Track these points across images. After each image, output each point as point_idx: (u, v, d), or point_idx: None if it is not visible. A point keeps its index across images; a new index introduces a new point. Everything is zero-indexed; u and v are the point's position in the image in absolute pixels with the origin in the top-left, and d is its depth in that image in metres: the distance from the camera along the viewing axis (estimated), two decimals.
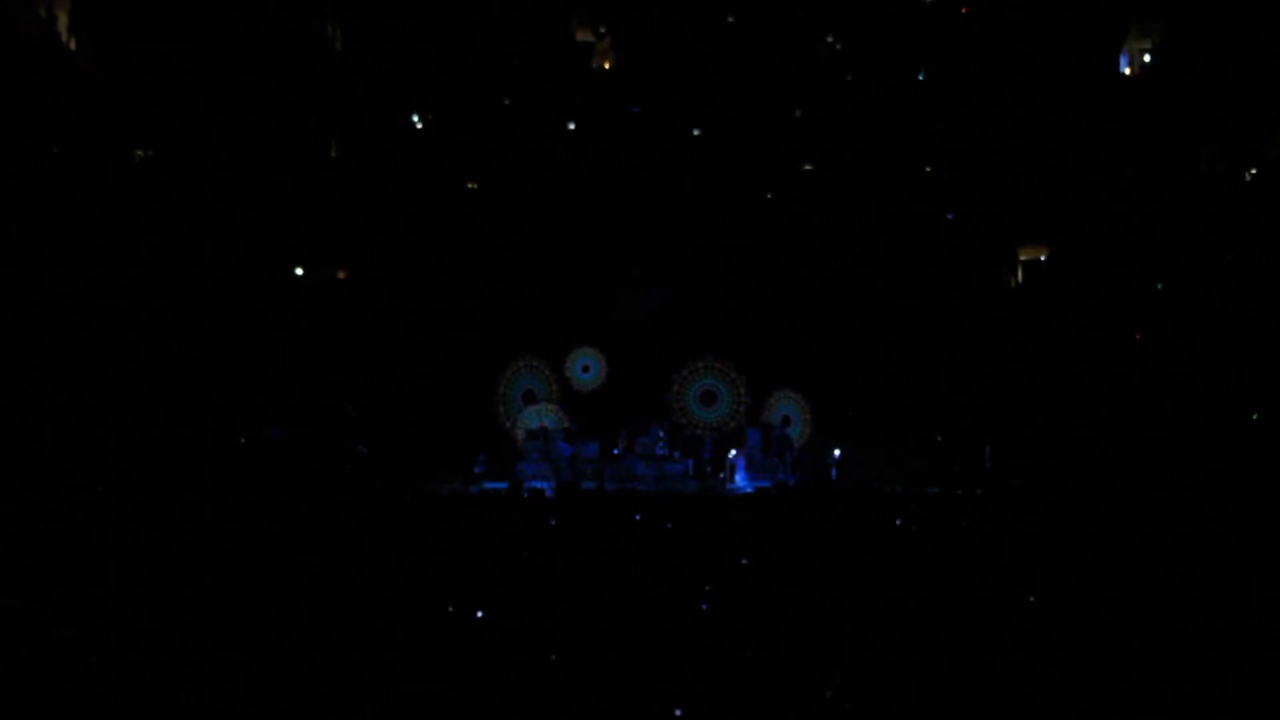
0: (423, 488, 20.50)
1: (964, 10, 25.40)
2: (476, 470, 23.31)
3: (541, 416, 25.10)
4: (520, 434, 24.93)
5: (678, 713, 7.67)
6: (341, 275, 30.88)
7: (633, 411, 31.64)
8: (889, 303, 30.80)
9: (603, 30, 28.88)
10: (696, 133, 26.93)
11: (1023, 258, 28.05)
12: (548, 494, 20.45)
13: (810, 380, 31.37)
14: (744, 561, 14.03)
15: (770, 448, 24.00)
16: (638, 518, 16.95)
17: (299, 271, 28.93)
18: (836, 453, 25.52)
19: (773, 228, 32.18)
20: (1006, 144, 25.76)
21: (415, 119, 26.63)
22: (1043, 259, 27.79)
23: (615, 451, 24.29)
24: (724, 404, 25.01)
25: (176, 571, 12.13)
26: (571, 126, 27.19)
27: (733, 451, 23.51)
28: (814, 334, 32.95)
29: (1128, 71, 24.46)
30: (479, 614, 10.88)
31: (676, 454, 24.42)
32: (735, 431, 24.97)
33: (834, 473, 23.77)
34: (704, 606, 11.24)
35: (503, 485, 22.10)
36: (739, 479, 23.37)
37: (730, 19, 27.28)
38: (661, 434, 24.73)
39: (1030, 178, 26.15)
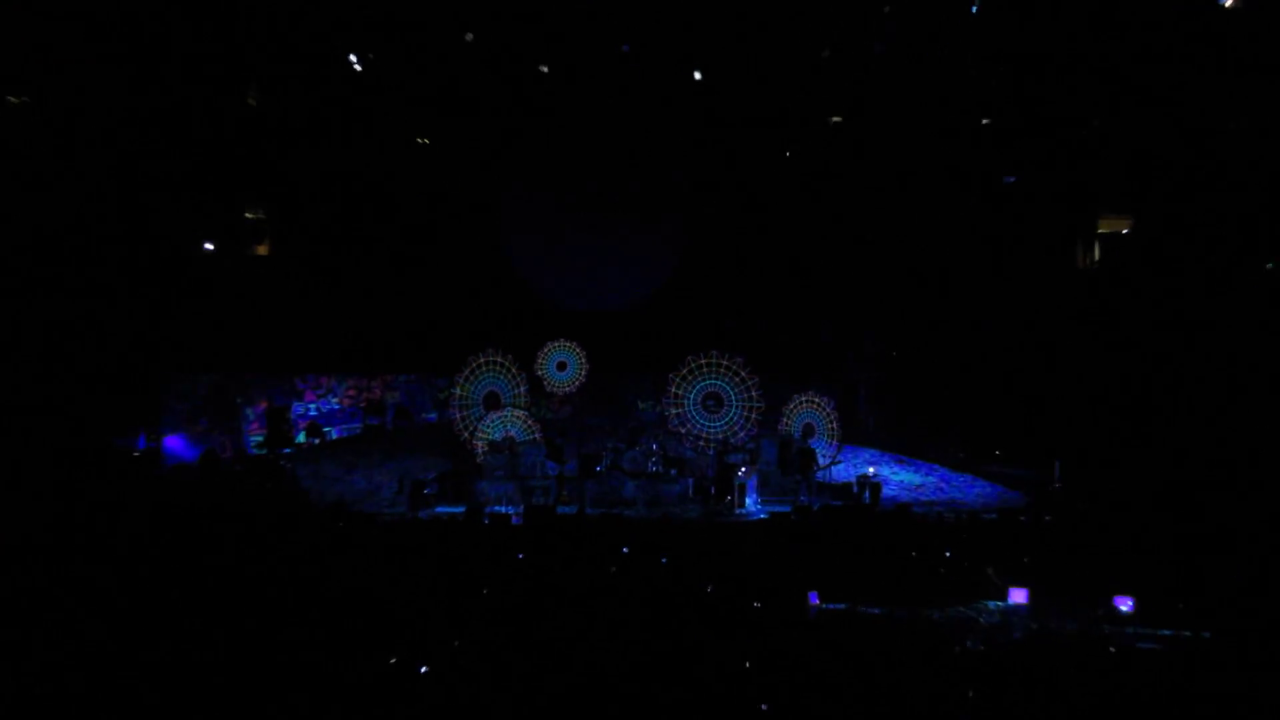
0: (357, 512, 20.09)
1: None
2: (426, 491, 23.02)
3: (507, 425, 24.86)
4: (481, 446, 24.65)
5: None
6: (262, 251, 30.82)
7: (620, 419, 31.72)
8: (935, 285, 30.62)
9: None
10: (698, 76, 26.59)
11: (1101, 230, 27.77)
12: (514, 520, 20.07)
13: (838, 382, 31.31)
14: (757, 605, 13.70)
15: (789, 464, 23.70)
16: (625, 550, 16.55)
17: (208, 246, 28.79)
18: (870, 470, 25.30)
19: (793, 193, 31.97)
20: (1081, 86, 25.38)
21: (353, 60, 26.22)
22: (1125, 232, 27.49)
23: (599, 469, 23.98)
24: (732, 410, 24.77)
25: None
26: (545, 70, 26.86)
27: (743, 469, 23.19)
28: (843, 324, 32.90)
29: (1228, 2, 23.99)
30: (422, 670, 10.60)
31: (673, 472, 24.13)
32: (746, 444, 24.74)
33: (867, 495, 23.52)
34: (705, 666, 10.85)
35: (458, 509, 21.75)
36: (750, 502, 23.09)
37: None
38: (655, 447, 24.48)
39: (1111, 130, 25.81)
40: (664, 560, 16.21)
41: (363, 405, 31.54)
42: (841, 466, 25.27)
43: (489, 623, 12.48)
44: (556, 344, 28.99)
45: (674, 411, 24.96)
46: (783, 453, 24.38)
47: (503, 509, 22.02)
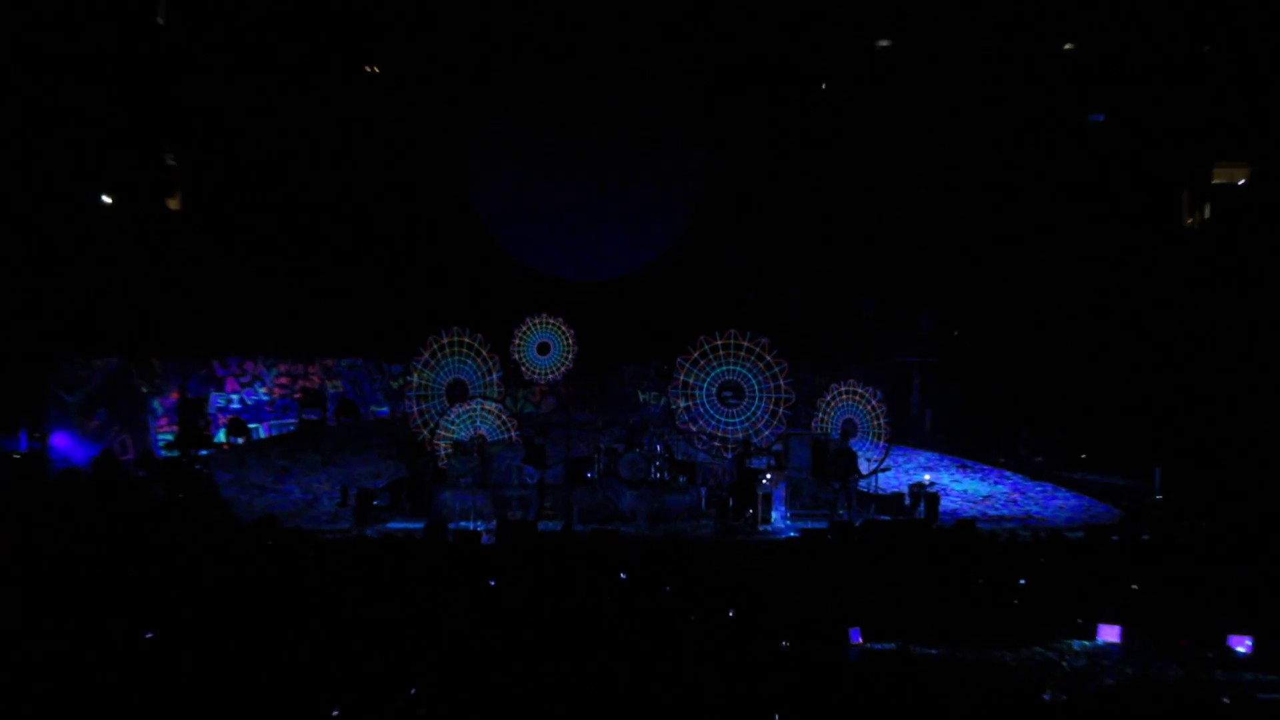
0: (290, 529, 20.05)
1: None
2: (376, 502, 22.96)
3: (476, 421, 24.77)
4: (443, 447, 24.58)
5: None
6: (172, 206, 30.82)
7: (616, 413, 31.63)
8: (1006, 249, 30.54)
9: None
10: None
11: (1215, 180, 27.66)
12: (484, 539, 20.02)
13: (886, 369, 31.22)
14: (785, 645, 13.66)
15: (826, 470, 23.61)
16: (623, 577, 16.50)
17: (106, 200, 28.73)
18: (926, 477, 25.20)
19: (831, 136, 31.87)
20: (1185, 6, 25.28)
21: None
22: (1242, 183, 27.38)
23: (589, 475, 23.93)
24: (755, 404, 24.70)
25: None
26: None
27: (768, 476, 23.11)
28: (892, 297, 32.81)
29: None
30: None
31: (682, 479, 24.08)
32: (772, 445, 24.71)
33: (921, 508, 23.46)
34: None
35: (415, 525, 21.68)
36: (778, 517, 23.02)
37: None
38: (660, 448, 24.39)
39: (1227, 58, 25.66)
40: (669, 589, 16.16)
41: (297, 396, 31.53)
42: (890, 473, 25.19)
43: (452, 669, 12.43)
44: (538, 321, 28.95)
45: (683, 405, 24.86)
46: (817, 456, 24.27)
47: (470, 525, 21.86)
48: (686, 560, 18.17)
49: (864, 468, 24.26)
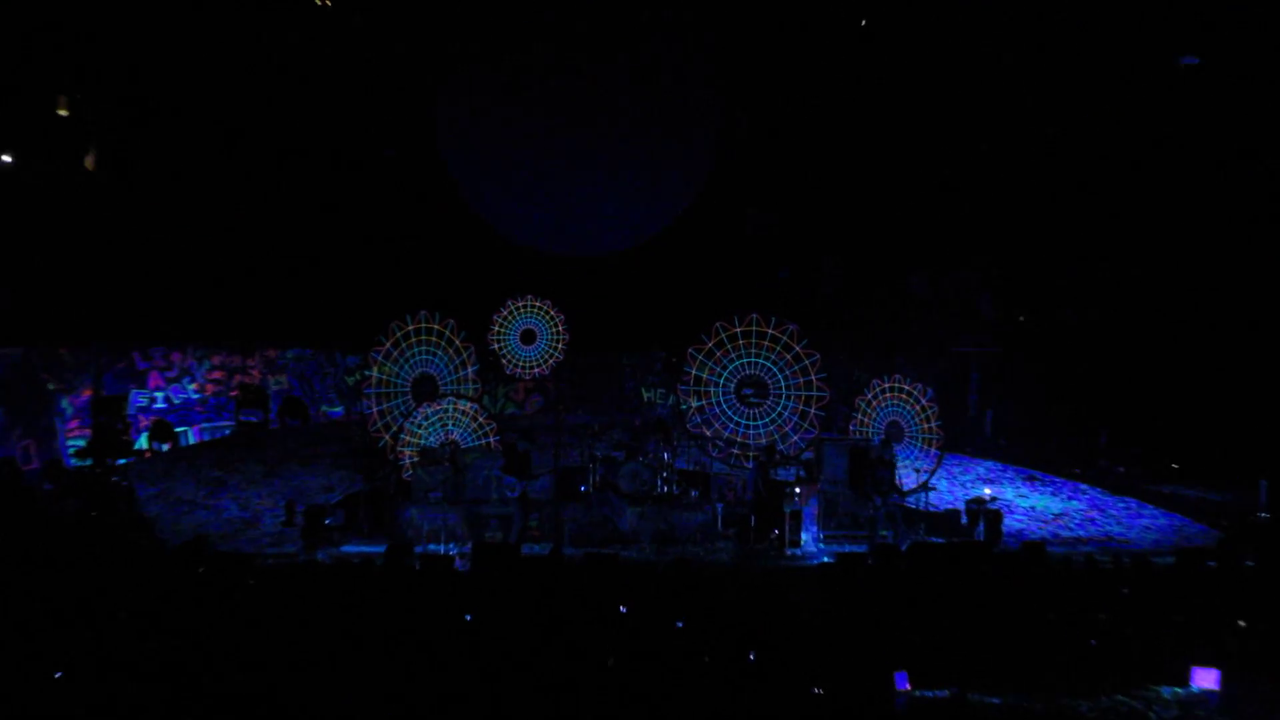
0: (225, 554, 19.98)
1: None
2: (328, 521, 22.91)
3: (448, 423, 24.74)
4: (409, 455, 24.54)
5: None
6: (88, 166, 30.74)
7: (615, 415, 31.58)
8: (1081, 217, 30.42)
9: None
10: None
11: None
12: (458, 565, 19.93)
13: (939, 362, 31.14)
14: (819, 691, 13.59)
15: (865, 483, 23.53)
16: (623, 610, 16.42)
17: (5, 159, 28.66)
18: (987, 491, 25.12)
19: (872, 82, 31.76)
20: None
21: None
22: None
23: (584, 489, 23.86)
24: (782, 403, 24.64)
25: None
26: None
27: (797, 489, 23.04)
28: (946, 275, 32.75)
29: None
30: None
31: (694, 493, 24.03)
32: (802, 453, 24.67)
33: (981, 528, 23.38)
34: None
35: (374, 549, 21.61)
36: (809, 539, 22.97)
37: None
38: (668, 456, 24.32)
39: None
40: (680, 625, 16.09)
41: (234, 394, 31.49)
42: (943, 485, 25.14)
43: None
44: (522, 304, 28.94)
45: (696, 404, 24.80)
46: (856, 465, 24.20)
47: (441, 548, 21.82)
48: (699, 590, 18.09)
49: (908, 481, 24.14)
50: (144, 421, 29.66)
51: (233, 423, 31.22)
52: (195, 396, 30.89)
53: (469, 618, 16.26)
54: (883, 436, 24.67)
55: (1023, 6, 28.41)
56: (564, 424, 28.35)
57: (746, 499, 23.99)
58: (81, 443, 28.07)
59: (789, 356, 24.75)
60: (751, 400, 24.77)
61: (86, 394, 28.68)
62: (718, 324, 24.83)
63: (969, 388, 32.44)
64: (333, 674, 13.80)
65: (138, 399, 29.76)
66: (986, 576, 18.60)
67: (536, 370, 29.16)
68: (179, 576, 17.96)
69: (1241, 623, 16.89)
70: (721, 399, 24.79)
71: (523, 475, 24.04)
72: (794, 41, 31.32)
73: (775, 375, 24.77)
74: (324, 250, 31.61)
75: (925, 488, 24.32)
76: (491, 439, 24.85)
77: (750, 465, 24.59)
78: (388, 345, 25.67)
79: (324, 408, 32.68)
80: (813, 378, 24.71)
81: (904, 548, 21.38)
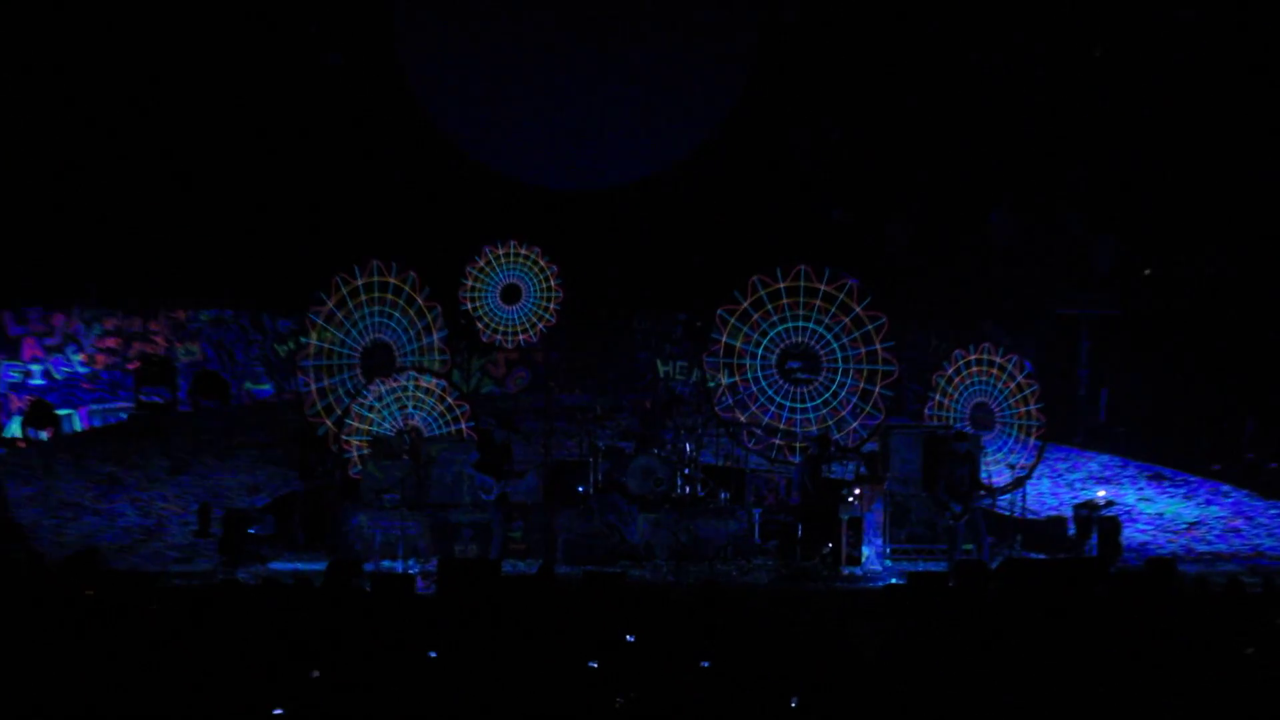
0: (121, 572, 20.10)
1: None
2: (253, 530, 23.00)
3: (406, 405, 24.80)
4: (356, 445, 24.62)
5: None
6: None
7: (622, 395, 31.56)
8: (1227, 142, 30.39)
9: None
10: None
11: None
12: (419, 586, 20.02)
13: (1039, 328, 31.12)
14: None
15: (944, 483, 23.56)
16: (631, 640, 16.47)
17: None
18: (1101, 494, 25.16)
19: None
20: None
21: None
22: None
23: (581, 489, 23.93)
24: (836, 380, 24.75)
25: None
26: None
27: (856, 491, 23.10)
28: (1047, 212, 32.69)
29: None
30: None
31: (724, 495, 24.11)
32: (863, 443, 24.90)
33: (1094, 541, 23.43)
34: None
35: (312, 566, 21.72)
36: (872, 554, 23.00)
37: None
38: (690, 449, 24.37)
39: None
40: (706, 664, 16.13)
41: (132, 368, 31.58)
42: (1044, 486, 25.16)
43: None
44: (503, 252, 28.88)
45: (727, 382, 24.85)
46: (932, 460, 24.22)
47: (399, 566, 21.94)
48: (730, 620, 18.13)
49: (998, 479, 24.15)
50: (17, 402, 29.81)
51: (131, 404, 31.32)
52: (83, 370, 31.05)
53: (433, 654, 16.30)
54: (967, 423, 24.71)
55: None
56: (557, 406, 28.44)
57: (791, 503, 24.05)
58: None
59: (847, 320, 24.76)
60: (798, 376, 24.82)
61: None
62: (755, 278, 24.83)
63: (1078, 360, 32.46)
64: None
65: (8, 373, 29.92)
66: (1100, 602, 18.67)
67: (521, 337, 29.17)
68: (61, 600, 18.05)
69: None
70: (760, 374, 24.83)
71: (500, 474, 24.01)
72: None
73: (829, 344, 24.78)
74: (249, 183, 31.60)
75: (1020, 486, 24.37)
76: (463, 425, 24.89)
77: (796, 460, 24.65)
78: (330, 305, 25.70)
79: (248, 385, 32.79)
80: (877, 347, 24.73)
81: (994, 565, 21.45)
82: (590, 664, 15.83)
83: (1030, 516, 24.45)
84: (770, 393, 24.91)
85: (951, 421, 24.84)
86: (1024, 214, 32.96)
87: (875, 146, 33.10)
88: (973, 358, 25.06)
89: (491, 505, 23.54)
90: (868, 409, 24.83)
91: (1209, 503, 27.25)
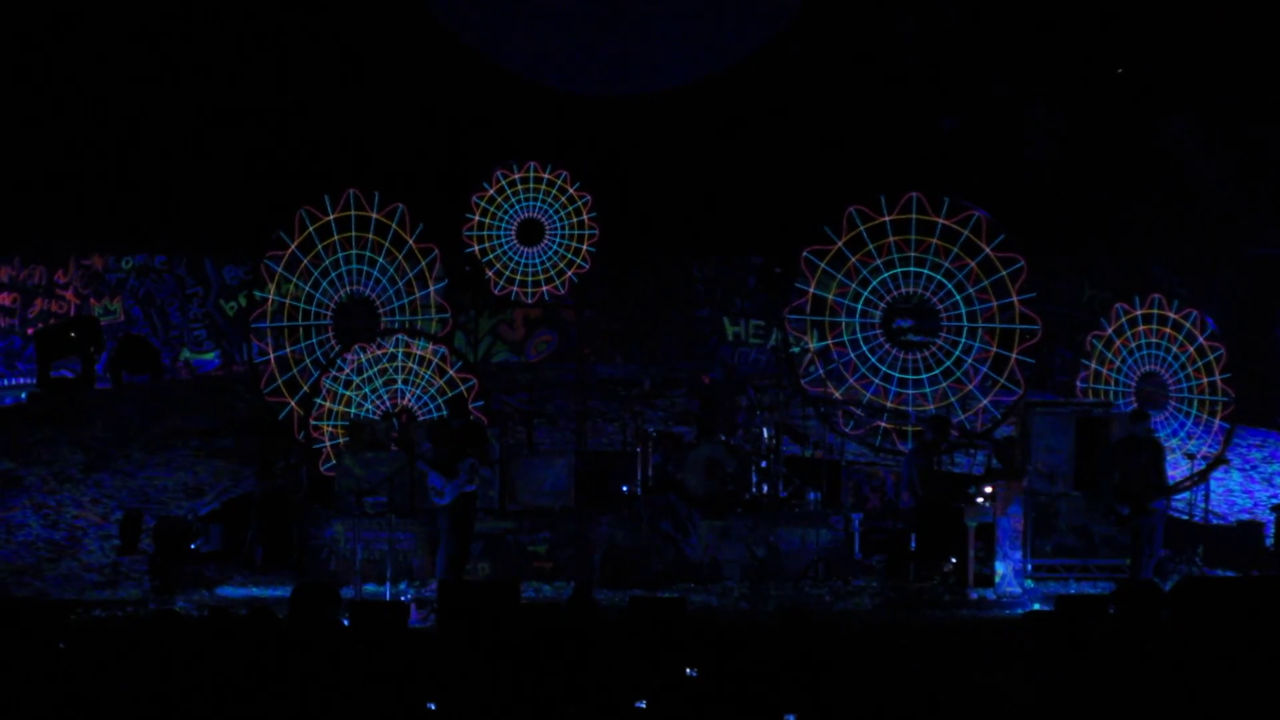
0: (25, 601, 20.19)
1: None
2: (194, 545, 23.01)
3: (396, 380, 24.76)
4: (329, 434, 24.63)
5: None
6: None
7: (677, 364, 31.59)
8: None
9: None
10: None
11: None
12: (413, 617, 20.04)
13: (1223, 274, 31.07)
14: None
15: (1106, 482, 23.43)
16: (692, 674, 16.42)
17: None
18: None
19: None
20: None
21: None
22: None
23: (625, 490, 23.88)
24: (960, 345, 24.66)
25: None
26: None
27: (986, 490, 22.99)
28: (1228, 124, 32.59)
29: None
30: None
31: (812, 495, 24.06)
32: (994, 429, 24.87)
33: None
34: None
35: (274, 591, 21.73)
36: (1008, 572, 22.88)
37: None
38: (768, 435, 24.29)
39: None
40: (791, 719, 16.09)
41: (33, 332, 31.65)
42: (1234, 479, 25.07)
43: None
44: (520, 176, 28.86)
45: (815, 346, 24.77)
46: (1089, 450, 24.10)
47: (385, 590, 21.97)
48: (822, 660, 18.10)
49: (1180, 470, 24.02)
50: None
51: (33, 381, 31.39)
52: None
53: (432, 707, 16.30)
54: (1133, 399, 24.60)
55: None
56: (592, 380, 28.43)
57: (901, 506, 23.96)
58: None
59: (973, 264, 24.66)
60: (911, 340, 24.73)
61: None
62: (851, 209, 24.75)
63: (1276, 318, 32.29)
64: None
65: None
66: None
67: (545, 289, 29.13)
68: None
69: None
70: (860, 336, 24.77)
71: (454, 471, 23.62)
72: None
73: (949, 296, 24.68)
74: (184, 90, 31.64)
75: (1203, 480, 24.23)
76: (468, 404, 24.84)
77: (907, 449, 24.57)
78: (292, 248, 25.67)
79: (186, 354, 32.84)
80: (1014, 300, 24.62)
81: (1168, 586, 21.31)
82: (637, 704, 15.80)
83: (1215, 521, 24.36)
84: (873, 360, 24.84)
85: (1112, 397, 24.73)
86: (1209, 127, 32.81)
87: (1003, 31, 32.98)
88: (1139, 313, 24.91)
89: (443, 513, 23.24)
90: (1001, 381, 24.76)
91: None
